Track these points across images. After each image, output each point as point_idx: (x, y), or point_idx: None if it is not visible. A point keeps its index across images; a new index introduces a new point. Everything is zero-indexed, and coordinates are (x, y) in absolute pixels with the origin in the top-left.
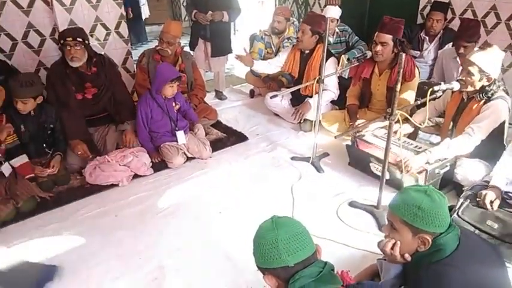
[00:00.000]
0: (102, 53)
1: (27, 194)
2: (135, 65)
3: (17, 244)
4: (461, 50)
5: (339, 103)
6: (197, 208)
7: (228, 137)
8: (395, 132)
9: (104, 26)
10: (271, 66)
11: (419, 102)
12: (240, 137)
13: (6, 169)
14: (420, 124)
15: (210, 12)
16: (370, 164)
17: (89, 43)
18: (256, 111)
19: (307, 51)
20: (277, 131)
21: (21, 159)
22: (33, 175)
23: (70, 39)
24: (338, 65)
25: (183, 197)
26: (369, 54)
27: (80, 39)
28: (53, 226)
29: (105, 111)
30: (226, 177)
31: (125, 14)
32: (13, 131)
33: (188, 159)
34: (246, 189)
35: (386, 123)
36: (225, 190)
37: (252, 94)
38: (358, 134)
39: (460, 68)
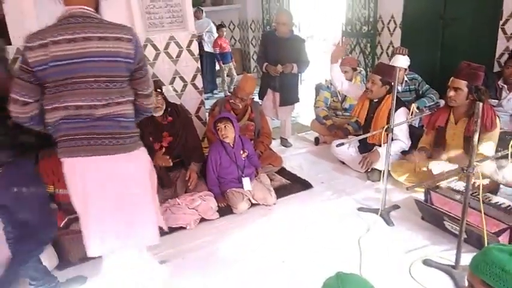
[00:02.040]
0: (179, 103)
1: None
2: (206, 114)
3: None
4: None
5: (409, 153)
6: (260, 255)
7: (292, 184)
8: (477, 186)
9: (182, 78)
10: (353, 87)
11: (500, 154)
12: (305, 185)
13: None
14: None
15: (279, 65)
16: (444, 222)
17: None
18: (321, 159)
19: (376, 100)
20: (343, 179)
21: None
22: None
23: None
24: (409, 115)
25: (246, 243)
26: (441, 103)
27: (160, 90)
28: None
29: (178, 157)
30: (290, 225)
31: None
32: None
33: (252, 205)
34: (310, 238)
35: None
36: (289, 238)
37: (317, 142)
38: (431, 186)
39: None
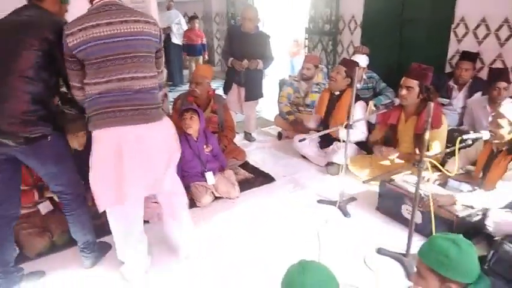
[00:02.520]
0: None
1: (62, 228)
2: (170, 106)
3: (51, 274)
4: (495, 94)
5: (366, 148)
6: (224, 247)
7: (255, 178)
8: (427, 180)
9: None
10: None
11: (448, 150)
12: (267, 178)
13: (45, 207)
14: (450, 172)
15: (245, 60)
16: (402, 206)
17: None
18: (284, 153)
19: (337, 93)
20: (304, 173)
21: (48, 206)
22: None
23: None
24: (366, 110)
25: (210, 236)
26: (397, 101)
27: None
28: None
29: None
30: (253, 218)
31: None
32: None
33: (216, 198)
34: (272, 230)
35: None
36: (251, 231)
37: (279, 136)
38: (388, 179)
39: (490, 117)
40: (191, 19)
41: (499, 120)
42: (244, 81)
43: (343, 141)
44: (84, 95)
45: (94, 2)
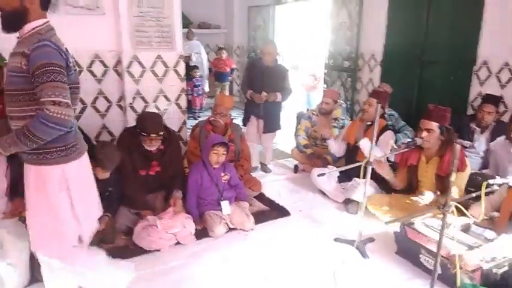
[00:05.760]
0: None
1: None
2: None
3: None
4: None
5: (386, 187)
6: (235, 281)
7: (270, 211)
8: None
9: (166, 97)
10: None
11: (474, 195)
12: (283, 212)
13: None
14: (475, 218)
15: (264, 93)
16: (420, 256)
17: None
18: (300, 187)
19: (368, 123)
20: (321, 209)
21: None
22: None
23: (154, 135)
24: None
25: (221, 268)
26: (418, 141)
27: (161, 133)
28: None
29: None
30: (266, 253)
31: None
32: None
33: (230, 229)
34: (286, 267)
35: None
36: (264, 266)
37: (296, 169)
38: (407, 222)
39: None
40: (219, 49)
41: None
42: (263, 114)
43: (366, 164)
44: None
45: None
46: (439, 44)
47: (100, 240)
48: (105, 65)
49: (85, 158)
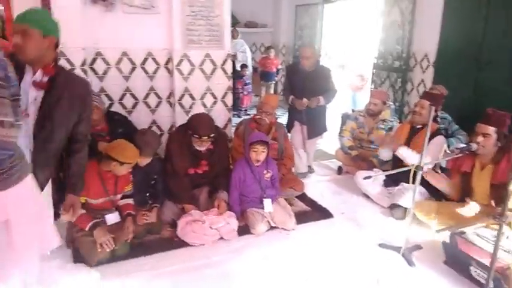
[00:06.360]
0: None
1: (125, 237)
2: (232, 130)
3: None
4: None
5: (436, 193)
6: (276, 280)
7: (312, 211)
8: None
9: (213, 94)
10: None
11: None
12: (325, 213)
13: (114, 217)
14: None
15: (305, 99)
16: (470, 268)
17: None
18: (343, 189)
19: (418, 126)
20: (365, 212)
21: (115, 218)
22: None
23: (206, 138)
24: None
25: (261, 265)
26: (474, 146)
27: (212, 135)
28: (141, 274)
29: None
30: (307, 254)
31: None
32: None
33: (271, 228)
34: (327, 270)
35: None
36: (305, 267)
37: (339, 171)
38: (458, 231)
39: None
40: (267, 49)
41: None
42: (306, 119)
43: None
44: None
45: None
46: (498, 43)
47: (147, 231)
48: (157, 63)
49: (29, 180)
